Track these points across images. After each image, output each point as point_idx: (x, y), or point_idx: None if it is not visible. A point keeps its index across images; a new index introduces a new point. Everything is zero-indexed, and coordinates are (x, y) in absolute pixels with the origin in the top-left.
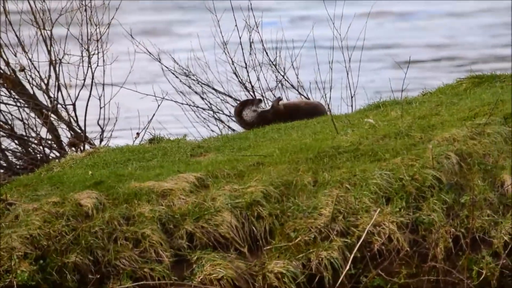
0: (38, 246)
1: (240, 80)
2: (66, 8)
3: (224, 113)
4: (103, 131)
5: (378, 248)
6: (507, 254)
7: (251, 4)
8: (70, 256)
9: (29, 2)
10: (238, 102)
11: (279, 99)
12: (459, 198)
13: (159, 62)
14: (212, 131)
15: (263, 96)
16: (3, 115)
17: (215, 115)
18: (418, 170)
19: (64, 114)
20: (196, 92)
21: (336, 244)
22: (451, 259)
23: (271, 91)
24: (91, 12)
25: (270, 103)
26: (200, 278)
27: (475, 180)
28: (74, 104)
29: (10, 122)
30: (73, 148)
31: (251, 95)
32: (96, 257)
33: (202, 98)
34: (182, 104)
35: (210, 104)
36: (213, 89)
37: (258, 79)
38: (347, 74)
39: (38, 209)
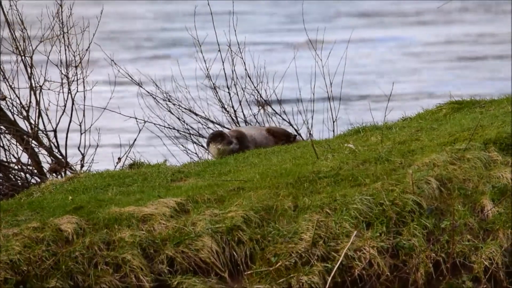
0: (18, 271)
1: (222, 106)
2: (47, 35)
3: (204, 137)
4: (83, 156)
5: (359, 272)
6: (488, 279)
7: (235, 29)
8: (50, 281)
9: (9, 29)
10: (212, 133)
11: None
12: (440, 223)
13: (140, 86)
14: (191, 156)
15: (245, 122)
16: None
17: (192, 138)
18: (398, 195)
19: (45, 140)
20: (177, 118)
21: (317, 269)
22: (431, 284)
23: (254, 116)
24: (69, 39)
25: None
26: None
27: (455, 205)
28: (55, 130)
29: None
30: (54, 174)
31: (233, 120)
32: (76, 282)
33: (183, 122)
34: (164, 127)
35: (191, 128)
36: (195, 113)
37: (240, 104)
38: (329, 99)
39: (18, 234)
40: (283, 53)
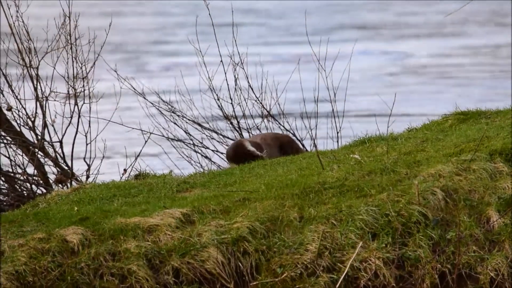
0: (24, 282)
1: (226, 116)
2: (52, 47)
3: (209, 149)
4: (89, 167)
5: (365, 283)
6: None
7: (235, 40)
8: None
9: (15, 41)
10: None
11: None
12: (445, 234)
13: (144, 97)
14: (197, 166)
15: (249, 132)
16: None
17: (196, 149)
18: (404, 206)
19: (50, 151)
20: (182, 129)
21: (323, 280)
22: None
23: (257, 126)
24: (76, 51)
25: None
26: None
27: (461, 216)
28: (61, 141)
29: None
30: (60, 185)
31: (237, 130)
32: None
33: (188, 134)
34: (168, 139)
35: (196, 140)
36: (199, 125)
37: (244, 116)
38: (332, 109)
39: (24, 245)
40: (284, 65)
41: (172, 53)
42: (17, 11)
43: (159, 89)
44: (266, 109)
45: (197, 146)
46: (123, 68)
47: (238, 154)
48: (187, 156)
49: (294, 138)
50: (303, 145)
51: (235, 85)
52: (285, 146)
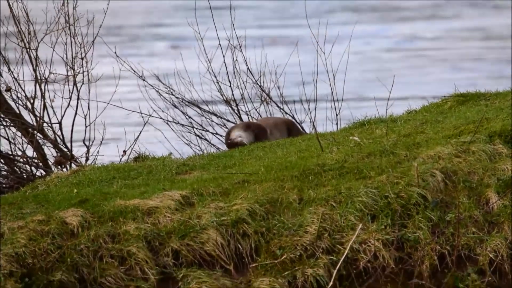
0: (23, 264)
1: (225, 99)
2: (51, 28)
3: (209, 131)
4: (88, 149)
5: (364, 265)
6: (493, 272)
7: (233, 24)
8: (55, 274)
9: (15, 22)
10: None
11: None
12: (444, 215)
13: (143, 80)
14: (196, 149)
15: (247, 115)
16: None
17: (195, 131)
18: (403, 187)
19: (50, 133)
20: (182, 112)
21: (322, 262)
22: (436, 277)
23: (256, 109)
24: (75, 31)
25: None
26: None
27: (460, 197)
28: (60, 123)
29: None
30: (59, 167)
31: (236, 113)
32: (81, 275)
33: (187, 116)
34: (168, 121)
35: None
36: (198, 107)
37: (243, 97)
38: (332, 92)
39: (23, 227)
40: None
41: (169, 36)
42: None
43: (159, 73)
44: (265, 92)
45: (196, 128)
46: (122, 51)
47: (226, 143)
48: (186, 139)
49: (294, 121)
50: (302, 128)
51: (233, 67)
52: (293, 131)
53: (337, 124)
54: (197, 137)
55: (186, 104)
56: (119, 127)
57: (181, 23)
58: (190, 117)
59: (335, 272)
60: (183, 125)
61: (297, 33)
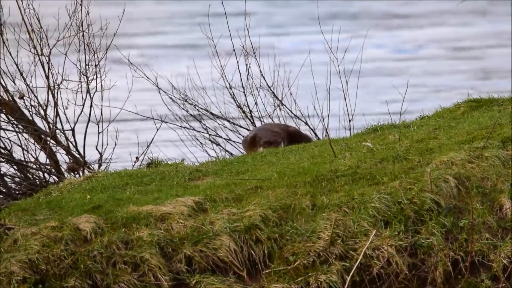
0: (37, 270)
1: (238, 105)
2: (64, 34)
3: (222, 137)
4: (101, 155)
5: (377, 271)
6: (506, 278)
7: (248, 30)
8: (69, 280)
9: (27, 29)
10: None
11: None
12: (458, 221)
13: (157, 86)
14: (209, 155)
15: (261, 120)
16: (2, 141)
17: (211, 138)
18: (417, 193)
19: (62, 139)
20: (194, 117)
21: (335, 268)
22: (450, 283)
23: (269, 115)
24: (89, 37)
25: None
26: None
27: (473, 203)
28: (73, 130)
29: (9, 148)
30: (72, 173)
31: (249, 119)
32: (95, 281)
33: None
34: (181, 127)
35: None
36: (211, 113)
37: (256, 104)
38: (345, 98)
39: (37, 233)
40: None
41: (181, 43)
42: None
43: (172, 78)
44: (278, 98)
45: (210, 134)
46: (134, 59)
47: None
48: (200, 145)
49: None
50: (315, 134)
51: (247, 74)
52: (295, 137)
53: (350, 130)
54: (211, 143)
55: (199, 110)
56: (132, 133)
57: (193, 30)
58: (203, 123)
59: (348, 278)
60: (196, 131)
61: (310, 38)
